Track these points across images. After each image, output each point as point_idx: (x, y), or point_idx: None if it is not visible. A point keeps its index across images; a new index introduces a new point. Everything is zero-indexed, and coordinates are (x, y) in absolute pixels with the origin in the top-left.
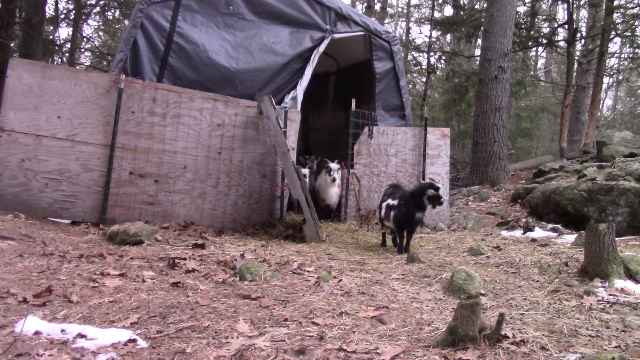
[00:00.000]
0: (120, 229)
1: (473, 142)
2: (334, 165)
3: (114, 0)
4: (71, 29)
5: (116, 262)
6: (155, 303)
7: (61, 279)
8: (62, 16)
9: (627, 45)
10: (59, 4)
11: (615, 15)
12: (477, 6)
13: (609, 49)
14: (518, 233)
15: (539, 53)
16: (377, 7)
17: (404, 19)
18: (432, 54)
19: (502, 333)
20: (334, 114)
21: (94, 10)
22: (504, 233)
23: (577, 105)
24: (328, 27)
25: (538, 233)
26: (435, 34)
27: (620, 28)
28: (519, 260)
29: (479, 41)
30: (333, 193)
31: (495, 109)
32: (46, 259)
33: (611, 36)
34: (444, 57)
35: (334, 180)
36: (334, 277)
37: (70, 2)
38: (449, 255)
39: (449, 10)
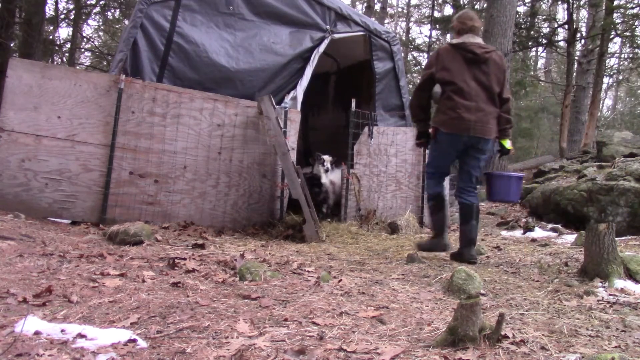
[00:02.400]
0: (120, 229)
1: None
2: (326, 157)
3: (114, 0)
4: (71, 29)
5: (116, 262)
6: (155, 303)
7: (61, 279)
8: (62, 16)
9: (627, 46)
10: (59, 4)
11: (615, 15)
12: (477, 6)
13: (609, 49)
14: (518, 233)
15: (539, 53)
16: (377, 7)
17: (404, 19)
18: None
19: (502, 333)
20: (334, 114)
21: (94, 10)
22: (504, 233)
23: (577, 105)
24: (328, 27)
25: (538, 233)
26: (435, 34)
27: (620, 28)
28: (519, 260)
29: None
30: (326, 186)
31: None
32: (46, 259)
33: (611, 36)
34: None
35: (326, 171)
36: (334, 277)
37: (70, 2)
38: (449, 255)
39: (449, 10)
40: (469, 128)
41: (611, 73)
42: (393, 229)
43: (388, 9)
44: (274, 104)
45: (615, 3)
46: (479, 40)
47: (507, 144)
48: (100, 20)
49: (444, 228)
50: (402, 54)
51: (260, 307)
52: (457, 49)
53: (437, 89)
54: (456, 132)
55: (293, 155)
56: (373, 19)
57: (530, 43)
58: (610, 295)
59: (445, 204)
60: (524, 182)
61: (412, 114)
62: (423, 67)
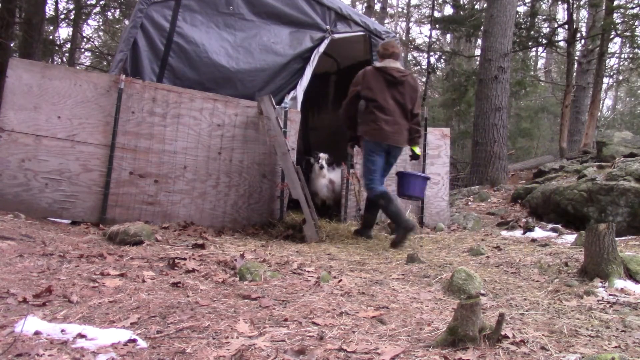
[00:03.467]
0: (120, 229)
1: (473, 142)
2: (322, 155)
3: (114, 0)
4: (71, 29)
5: (116, 262)
6: (155, 303)
7: (61, 279)
8: (62, 16)
9: (627, 46)
10: (59, 4)
11: (615, 15)
12: (477, 6)
13: (609, 49)
14: (518, 233)
15: (539, 53)
16: (377, 7)
17: (404, 19)
18: (432, 54)
19: (502, 333)
20: (334, 114)
21: (94, 10)
22: (504, 233)
23: (577, 105)
24: (328, 27)
25: (538, 233)
26: (435, 33)
27: (620, 28)
28: (519, 260)
29: (479, 41)
30: (323, 185)
31: (495, 109)
32: (46, 259)
33: (611, 36)
34: (444, 57)
35: (321, 167)
36: (334, 277)
37: (70, 2)
38: (449, 255)
39: (449, 10)
40: (387, 137)
41: (611, 73)
42: (393, 229)
43: (388, 9)
44: (274, 104)
45: (615, 3)
46: (398, 64)
47: (417, 150)
48: (100, 20)
49: (401, 214)
50: (402, 54)
51: (260, 307)
52: (379, 72)
53: (363, 101)
54: (378, 140)
55: (293, 155)
56: (373, 19)
57: (530, 43)
58: (610, 295)
59: (392, 197)
60: (524, 182)
61: (343, 123)
62: (351, 84)
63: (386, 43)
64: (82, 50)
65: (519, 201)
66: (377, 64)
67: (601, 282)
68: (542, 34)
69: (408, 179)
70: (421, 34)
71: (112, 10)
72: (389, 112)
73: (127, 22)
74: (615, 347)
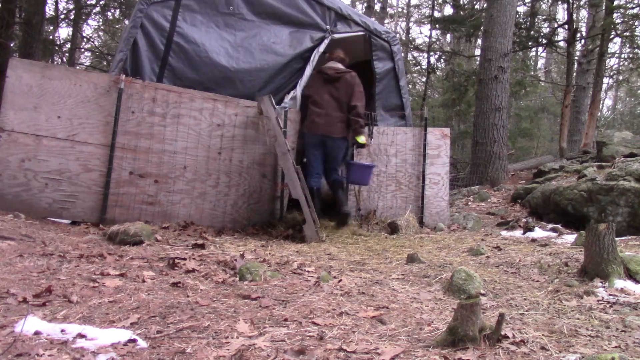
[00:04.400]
0: (120, 229)
1: (473, 142)
2: None
3: (114, 0)
4: (71, 29)
5: (116, 262)
6: (155, 303)
7: (61, 279)
8: (62, 16)
9: (627, 46)
10: (59, 4)
11: (615, 15)
12: (477, 6)
13: (609, 49)
14: (518, 233)
15: (539, 53)
16: (377, 7)
17: (404, 19)
18: (432, 53)
19: (502, 333)
20: None
21: (94, 10)
22: (504, 233)
23: (577, 105)
24: (328, 27)
25: (538, 233)
26: (435, 33)
27: (620, 28)
28: (519, 260)
29: (479, 41)
30: None
31: (495, 109)
32: (46, 259)
33: (611, 36)
34: (444, 57)
35: None
36: (334, 277)
37: (70, 2)
38: (449, 255)
39: (448, 10)
40: (318, 128)
41: (611, 73)
42: (393, 229)
43: (388, 9)
44: (274, 104)
45: (615, 3)
46: (337, 65)
47: (361, 139)
48: (100, 20)
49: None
50: (402, 54)
51: (260, 307)
52: (318, 72)
53: None
54: (312, 132)
55: (293, 155)
56: (373, 19)
57: (530, 43)
58: (610, 295)
59: (316, 195)
60: (524, 182)
61: (300, 123)
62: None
63: (333, 50)
64: (82, 50)
65: (519, 201)
66: (321, 66)
67: (601, 282)
68: (542, 34)
69: (356, 169)
70: (421, 34)
71: (112, 10)
72: (322, 106)
73: (127, 22)
74: (615, 347)
